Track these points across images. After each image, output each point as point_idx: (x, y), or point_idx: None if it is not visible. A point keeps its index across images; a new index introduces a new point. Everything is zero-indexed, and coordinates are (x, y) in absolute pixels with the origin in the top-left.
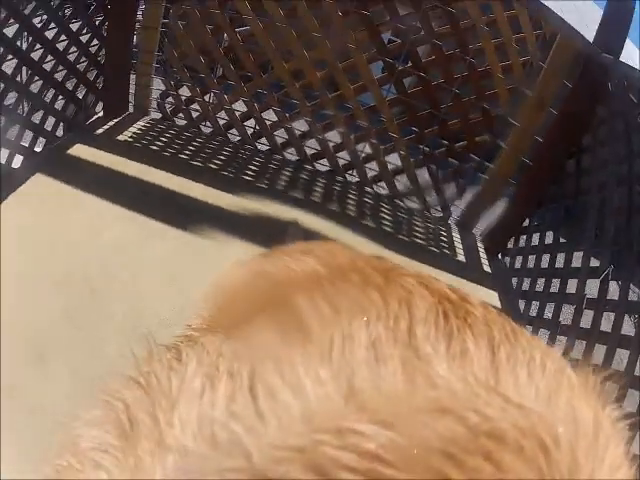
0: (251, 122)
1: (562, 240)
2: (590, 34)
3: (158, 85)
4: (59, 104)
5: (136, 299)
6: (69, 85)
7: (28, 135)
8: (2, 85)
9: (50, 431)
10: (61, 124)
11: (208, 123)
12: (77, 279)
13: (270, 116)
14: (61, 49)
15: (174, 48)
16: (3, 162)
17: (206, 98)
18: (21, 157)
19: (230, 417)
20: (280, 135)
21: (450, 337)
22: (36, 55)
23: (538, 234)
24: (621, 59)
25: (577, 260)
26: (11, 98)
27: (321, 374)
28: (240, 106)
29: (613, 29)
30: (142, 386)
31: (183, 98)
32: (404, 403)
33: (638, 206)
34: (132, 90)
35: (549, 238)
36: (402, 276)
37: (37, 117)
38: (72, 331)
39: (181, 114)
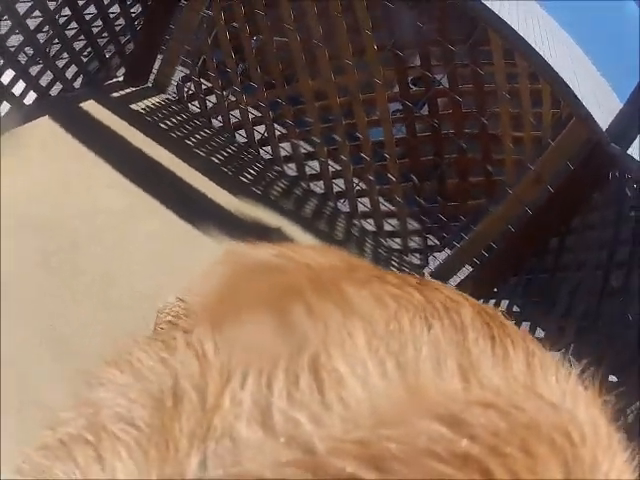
0: (261, 128)
1: (530, 311)
2: (604, 123)
3: (182, 68)
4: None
5: (114, 265)
6: (100, 41)
7: (47, 76)
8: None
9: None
10: (81, 76)
11: (220, 117)
12: (61, 229)
13: (280, 127)
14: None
15: (209, 36)
16: (17, 94)
17: (225, 93)
18: (35, 95)
19: (292, 403)
20: (285, 148)
21: (493, 342)
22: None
23: (507, 301)
24: (629, 151)
25: (539, 333)
26: (40, 39)
27: (388, 367)
28: (254, 110)
29: (628, 122)
30: (197, 354)
31: (203, 87)
32: (460, 401)
33: (610, 292)
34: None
35: (516, 307)
36: (438, 285)
37: (60, 63)
38: (44, 276)
39: (196, 102)
